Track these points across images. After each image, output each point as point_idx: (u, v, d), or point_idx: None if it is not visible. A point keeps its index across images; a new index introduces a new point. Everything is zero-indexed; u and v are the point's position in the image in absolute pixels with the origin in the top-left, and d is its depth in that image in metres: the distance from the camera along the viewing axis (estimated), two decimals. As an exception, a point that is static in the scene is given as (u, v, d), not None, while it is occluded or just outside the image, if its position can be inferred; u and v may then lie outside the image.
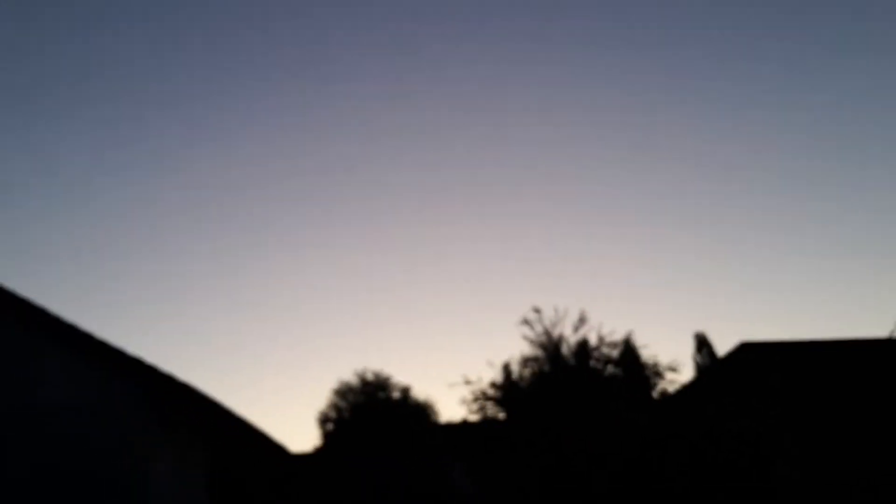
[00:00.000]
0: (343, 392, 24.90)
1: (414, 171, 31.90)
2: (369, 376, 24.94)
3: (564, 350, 19.83)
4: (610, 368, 19.75)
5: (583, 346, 19.85)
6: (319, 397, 28.42)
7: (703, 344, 26.55)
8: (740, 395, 12.93)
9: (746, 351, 11.74)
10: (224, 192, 32.09)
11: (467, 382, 20.02)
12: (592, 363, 19.74)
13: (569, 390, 19.37)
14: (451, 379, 20.77)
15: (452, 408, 34.81)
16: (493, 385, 20.14)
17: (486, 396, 20.24)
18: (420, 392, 24.88)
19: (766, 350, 11.67)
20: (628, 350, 19.72)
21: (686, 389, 17.47)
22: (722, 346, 21.80)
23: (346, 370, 28.93)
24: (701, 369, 25.03)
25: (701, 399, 15.52)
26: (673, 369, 19.00)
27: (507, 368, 20.41)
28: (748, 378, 12.15)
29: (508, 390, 20.36)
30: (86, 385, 9.89)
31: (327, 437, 25.10)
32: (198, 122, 31.42)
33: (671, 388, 18.87)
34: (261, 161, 31.62)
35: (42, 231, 29.75)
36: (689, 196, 30.65)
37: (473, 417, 20.64)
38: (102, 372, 9.92)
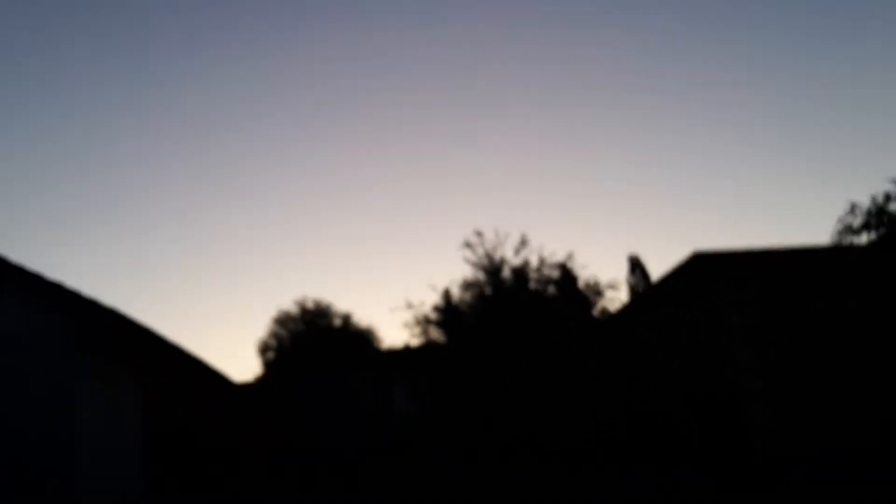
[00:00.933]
0: (283, 320, 24.47)
1: (354, 90, 30.86)
2: (309, 304, 24.53)
3: (505, 273, 19.63)
4: (550, 290, 19.65)
5: (522, 268, 19.68)
6: (259, 326, 27.94)
7: (636, 266, 26.71)
8: (692, 306, 12.77)
9: (698, 261, 11.49)
10: (171, 111, 30.64)
11: (409, 307, 19.76)
12: (533, 285, 19.61)
13: (508, 313, 19.27)
14: (394, 304, 20.50)
15: (395, 333, 34.57)
16: (435, 308, 19.92)
17: (427, 320, 20.03)
18: (362, 318, 24.59)
19: (718, 260, 11.44)
20: (566, 271, 19.60)
21: (633, 304, 17.26)
22: (654, 270, 21.83)
23: (286, 298, 28.52)
24: (635, 291, 25.22)
25: (649, 311, 15.29)
26: (613, 287, 18.99)
27: (447, 292, 20.21)
28: (700, 288, 11.98)
29: (450, 314, 20.19)
30: (3, 313, 9.19)
31: (268, 365, 24.73)
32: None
33: (612, 307, 18.87)
34: (205, 81, 30.19)
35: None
36: (630, 111, 30.21)
37: (416, 342, 20.47)
38: (19, 299, 9.23)
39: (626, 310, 18.20)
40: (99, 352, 10.12)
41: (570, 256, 19.27)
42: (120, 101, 30.00)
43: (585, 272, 19.13)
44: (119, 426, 10.76)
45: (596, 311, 18.95)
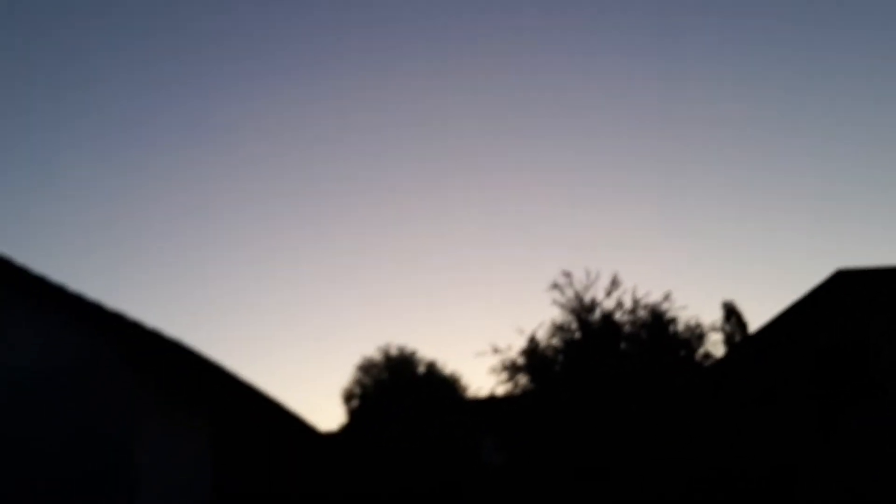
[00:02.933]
0: (367, 367, 23.41)
1: (433, 136, 30.10)
2: (393, 351, 23.43)
3: (596, 315, 18.07)
4: (643, 334, 17.97)
5: (614, 310, 18.09)
6: (344, 375, 26.92)
7: (731, 313, 24.71)
8: (836, 326, 10.94)
9: (842, 279, 9.78)
10: (249, 158, 30.50)
11: (495, 351, 18.35)
12: (626, 328, 17.98)
13: (598, 360, 17.70)
14: (480, 349, 19.11)
15: (481, 380, 32.99)
16: (523, 353, 18.46)
17: (514, 366, 18.57)
18: (447, 366, 23.34)
19: (863, 277, 9.76)
20: (662, 314, 17.90)
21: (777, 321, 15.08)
22: (751, 317, 19.77)
23: (370, 345, 27.47)
24: (730, 339, 23.20)
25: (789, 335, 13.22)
26: (715, 330, 17.25)
27: (533, 338, 18.68)
28: (843, 307, 10.26)
29: (537, 360, 18.71)
30: (59, 345, 8.35)
31: (352, 414, 23.66)
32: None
33: (715, 351, 17.09)
34: (284, 135, 30.00)
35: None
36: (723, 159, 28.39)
37: (502, 389, 19.01)
38: (78, 330, 8.38)
39: (739, 350, 16.36)
40: (164, 388, 9.16)
41: (666, 297, 17.59)
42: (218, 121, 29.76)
43: (685, 314, 17.40)
44: (188, 472, 9.72)
45: (698, 356, 17.18)
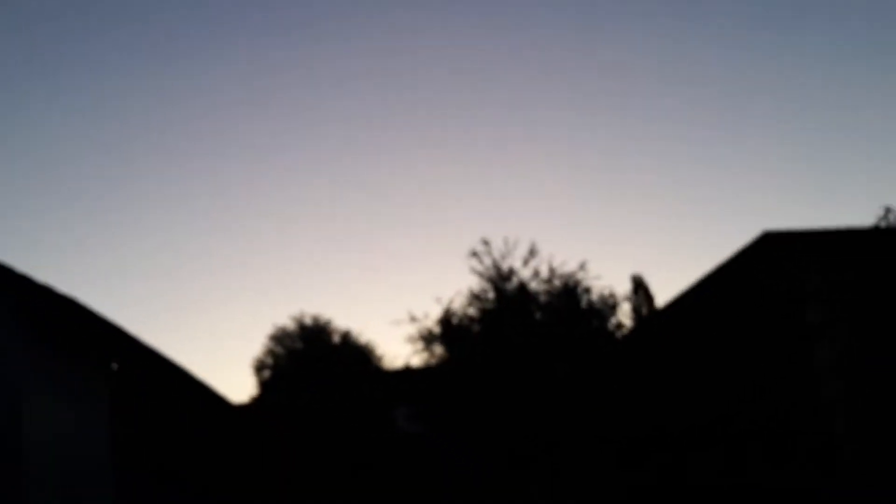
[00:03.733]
0: (279, 337, 22.69)
1: (350, 99, 29.25)
2: (307, 320, 22.77)
3: (513, 284, 17.88)
4: (557, 303, 17.89)
5: (527, 283, 17.92)
6: (254, 344, 26.09)
7: (639, 286, 24.95)
8: (763, 292, 10.81)
9: (769, 241, 9.61)
10: (167, 110, 28.96)
11: (412, 320, 17.99)
12: (542, 297, 17.86)
13: (513, 329, 17.54)
14: (396, 317, 18.65)
15: (397, 349, 32.31)
16: (439, 322, 18.13)
17: (430, 335, 18.24)
18: (362, 335, 22.82)
19: (791, 240, 9.65)
20: (574, 284, 17.83)
21: (670, 309, 15.01)
22: (659, 291, 19.95)
23: (283, 315, 26.68)
24: (637, 312, 23.41)
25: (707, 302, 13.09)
26: (629, 299, 17.32)
27: (449, 307, 18.33)
28: (772, 272, 10.15)
29: (453, 329, 18.42)
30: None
31: (264, 384, 22.92)
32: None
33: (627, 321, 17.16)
34: (200, 88, 28.62)
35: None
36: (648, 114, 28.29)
37: (418, 358, 18.69)
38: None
39: (654, 318, 16.42)
40: (56, 350, 8.37)
41: (582, 266, 17.52)
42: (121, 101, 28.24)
43: (598, 284, 17.39)
44: (83, 442, 8.95)
45: (610, 326, 17.22)
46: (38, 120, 28.33)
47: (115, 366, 9.60)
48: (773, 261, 10.33)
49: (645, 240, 29.42)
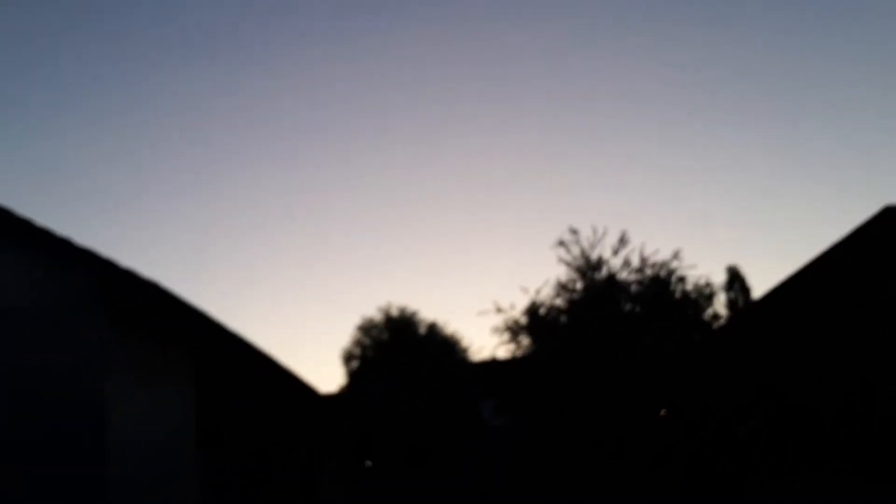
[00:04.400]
0: (367, 328, 22.52)
1: (435, 91, 28.79)
2: (394, 311, 22.52)
3: (602, 273, 17.10)
4: (649, 293, 17.01)
5: (616, 273, 17.11)
6: (344, 335, 26.05)
7: (735, 278, 23.71)
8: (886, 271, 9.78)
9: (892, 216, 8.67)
10: (256, 113, 29.27)
11: (498, 311, 17.44)
12: (633, 287, 17.02)
13: (603, 320, 16.76)
14: (483, 308, 18.13)
15: (483, 340, 31.82)
16: (525, 313, 17.51)
17: (517, 326, 17.65)
18: (448, 326, 22.43)
19: None
20: (668, 274, 16.92)
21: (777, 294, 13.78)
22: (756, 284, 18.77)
23: (371, 306, 26.56)
24: (733, 305, 22.18)
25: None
26: (738, 279, 16.32)
27: (536, 297, 17.68)
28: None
29: (540, 320, 17.78)
30: (20, 282, 7.38)
31: (352, 375, 22.81)
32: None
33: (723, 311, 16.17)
34: (288, 92, 28.81)
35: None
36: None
37: (504, 349, 18.13)
38: (44, 266, 7.43)
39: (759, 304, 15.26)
40: (142, 336, 8.20)
41: (675, 255, 16.61)
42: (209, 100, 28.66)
43: (693, 273, 16.44)
44: (168, 432, 8.78)
45: (706, 316, 16.25)
46: (147, 105, 28.96)
47: (200, 352, 9.43)
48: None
49: (740, 230, 27.99)
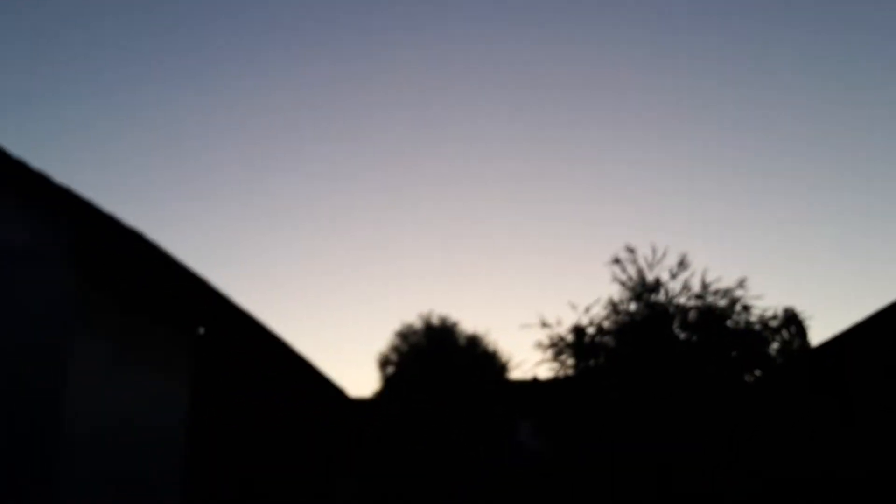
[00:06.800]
0: (405, 334, 20.88)
1: (483, 96, 27.00)
2: (434, 320, 20.86)
3: (659, 297, 15.17)
4: (709, 322, 14.99)
5: (675, 297, 15.16)
6: (382, 341, 24.44)
7: (792, 320, 21.53)
8: None
9: None
10: (295, 117, 27.92)
11: (544, 325, 15.61)
12: (691, 314, 15.04)
13: (656, 347, 14.84)
14: (527, 322, 16.29)
15: (525, 355, 29.49)
16: (572, 331, 15.64)
17: (562, 343, 15.78)
18: (490, 340, 20.63)
19: None
20: (731, 302, 14.91)
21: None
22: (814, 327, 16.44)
23: (412, 313, 24.94)
24: (787, 347, 20.03)
25: None
26: (795, 321, 14.22)
27: (582, 320, 15.80)
28: None
29: (587, 339, 15.89)
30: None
31: (387, 380, 21.21)
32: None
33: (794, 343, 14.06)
34: (326, 94, 27.37)
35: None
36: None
37: (546, 367, 16.30)
38: (9, 202, 5.94)
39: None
40: (124, 300, 6.65)
41: (741, 283, 14.58)
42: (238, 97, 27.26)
43: (760, 302, 14.40)
44: (155, 410, 7.20)
45: (772, 350, 14.17)
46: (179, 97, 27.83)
47: (200, 330, 7.82)
48: None
49: (802, 268, 25.44)
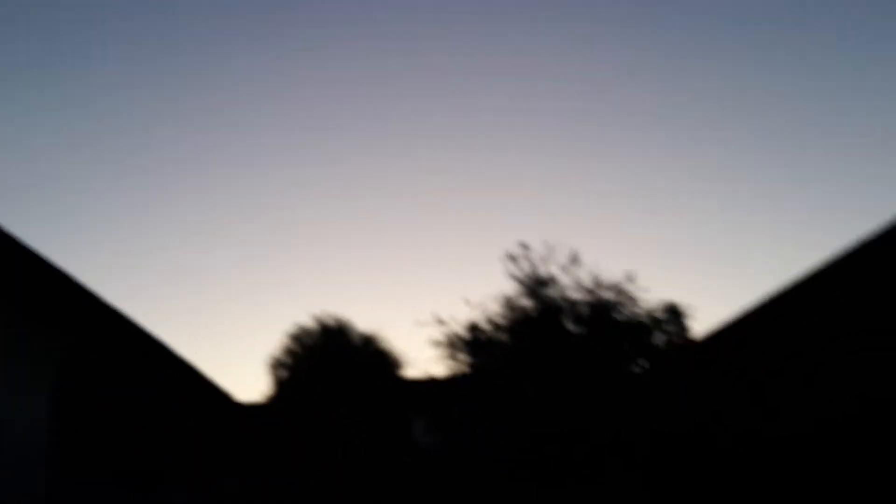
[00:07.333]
0: (298, 336, 20.25)
1: (379, 95, 26.58)
2: (329, 321, 20.33)
3: (551, 292, 15.30)
4: (599, 314, 15.26)
5: (566, 291, 15.36)
6: (273, 343, 23.62)
7: (674, 314, 22.31)
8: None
9: None
10: (189, 108, 26.53)
11: (439, 323, 15.44)
12: (582, 308, 15.25)
13: (548, 341, 14.99)
14: (422, 320, 16.07)
15: (420, 353, 29.16)
16: (467, 328, 15.57)
17: (457, 340, 15.68)
18: (385, 339, 20.30)
19: None
20: (620, 295, 15.22)
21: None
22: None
23: (304, 314, 24.27)
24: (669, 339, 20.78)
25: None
26: (676, 314, 14.66)
27: (476, 315, 15.76)
28: None
29: (481, 335, 15.87)
30: None
31: (280, 384, 20.51)
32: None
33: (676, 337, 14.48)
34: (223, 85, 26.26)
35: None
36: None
37: (442, 364, 16.17)
38: None
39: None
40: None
41: (629, 277, 14.88)
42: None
43: (648, 295, 14.74)
44: (13, 421, 6.49)
45: (659, 341, 14.53)
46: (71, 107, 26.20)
47: (68, 334, 7.13)
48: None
49: (688, 262, 26.24)
